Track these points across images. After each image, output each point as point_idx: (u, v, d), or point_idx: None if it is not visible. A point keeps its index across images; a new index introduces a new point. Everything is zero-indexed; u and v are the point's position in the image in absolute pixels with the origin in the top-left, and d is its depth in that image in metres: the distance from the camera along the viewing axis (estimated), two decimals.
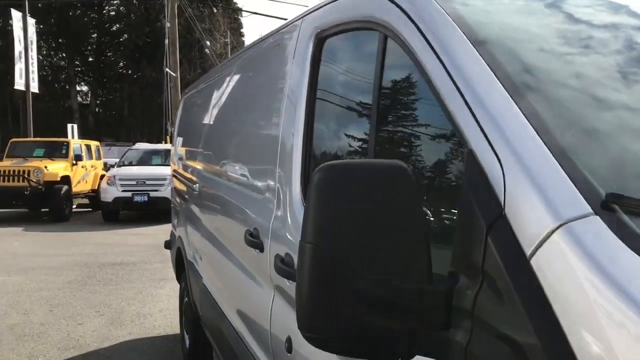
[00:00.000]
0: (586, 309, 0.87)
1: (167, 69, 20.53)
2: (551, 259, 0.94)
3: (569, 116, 1.16)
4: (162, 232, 10.51)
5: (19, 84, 19.20)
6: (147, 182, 13.96)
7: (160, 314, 6.15)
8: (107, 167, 17.99)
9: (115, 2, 38.49)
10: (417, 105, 1.47)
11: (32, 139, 17.33)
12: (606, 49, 1.43)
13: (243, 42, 50.85)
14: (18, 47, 18.87)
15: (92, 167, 16.65)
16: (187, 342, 4.57)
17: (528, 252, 0.97)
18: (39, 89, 21.99)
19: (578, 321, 0.87)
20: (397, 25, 1.48)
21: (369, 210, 1.08)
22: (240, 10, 41.69)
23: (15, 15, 19.05)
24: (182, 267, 4.72)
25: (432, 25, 1.38)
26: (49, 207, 14.35)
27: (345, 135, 1.89)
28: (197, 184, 4.08)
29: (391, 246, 1.07)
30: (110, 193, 14.06)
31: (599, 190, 0.99)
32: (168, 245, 5.64)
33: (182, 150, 5.14)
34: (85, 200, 17.02)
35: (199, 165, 4.20)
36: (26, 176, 13.87)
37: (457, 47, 1.30)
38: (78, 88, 40.28)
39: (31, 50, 19.41)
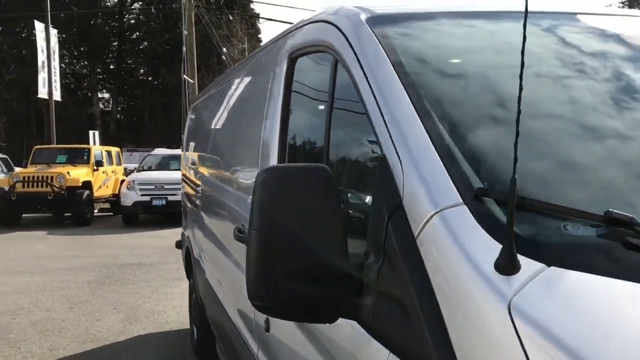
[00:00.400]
0: (449, 273, 1.15)
1: (184, 76, 20.98)
2: (429, 238, 1.22)
3: (458, 130, 1.44)
4: (179, 234, 10.86)
5: (42, 93, 19.83)
6: (165, 187, 14.38)
7: (173, 310, 6.49)
8: (127, 172, 18.48)
9: (134, 10, 39.23)
10: (354, 118, 1.76)
11: (54, 145, 17.89)
12: (495, 71, 1.71)
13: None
14: (41, 56, 19.50)
15: (112, 172, 17.15)
16: (195, 334, 4.89)
17: (415, 233, 1.25)
18: (62, 96, 22.64)
19: (444, 282, 1.16)
20: (340, 48, 1.78)
21: (299, 203, 1.37)
22: (257, 17, 42.16)
23: (38, 26, 19.70)
24: (191, 265, 5.05)
25: (364, 49, 1.68)
26: (71, 211, 14.86)
27: (308, 141, 2.20)
28: (200, 187, 4.41)
29: (316, 232, 1.36)
30: (129, 197, 14.52)
31: (473, 186, 1.27)
32: (179, 245, 5.99)
33: (189, 155, 5.48)
34: (107, 205, 17.53)
35: (200, 169, 4.54)
36: (49, 182, 14.39)
37: (380, 69, 1.59)
38: (100, 95, 41.06)
39: (53, 60, 20.04)
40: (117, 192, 16.41)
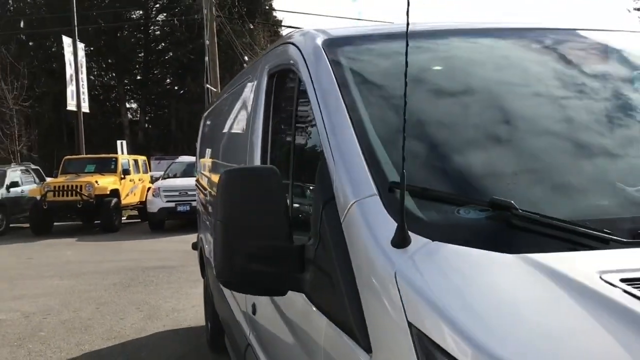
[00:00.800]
0: (360, 249, 1.45)
1: (207, 85, 21.49)
2: (349, 222, 1.52)
3: (384, 137, 1.73)
4: None
5: (71, 105, 20.55)
6: (189, 193, 14.81)
7: (192, 309, 6.85)
8: (153, 179, 19.03)
9: (159, 22, 40.10)
10: (310, 127, 2.07)
11: (83, 156, 18.54)
12: (416, 86, 1.99)
13: None
14: (69, 70, 20.23)
15: (139, 180, 17.70)
16: (209, 329, 5.25)
17: (341, 219, 1.55)
18: (91, 107, 23.38)
19: (356, 257, 1.46)
20: (300, 66, 2.09)
21: (253, 197, 1.68)
22: (279, 25, 42.70)
23: (66, 41, 20.44)
24: (204, 264, 5.42)
25: (316, 67, 1.98)
26: (100, 219, 15.42)
27: (281, 145, 2.52)
28: (206, 190, 4.78)
29: (267, 220, 1.67)
30: (155, 204, 15.03)
31: (388, 179, 1.56)
32: (194, 246, 6.36)
33: (200, 162, 5.87)
34: (135, 212, 18.10)
35: (206, 174, 4.92)
36: (78, 191, 14.97)
37: (325, 85, 1.89)
38: (128, 105, 42.01)
39: (81, 73, 20.76)
40: (144, 200, 16.92)
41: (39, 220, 15.16)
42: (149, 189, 16.95)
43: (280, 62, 2.47)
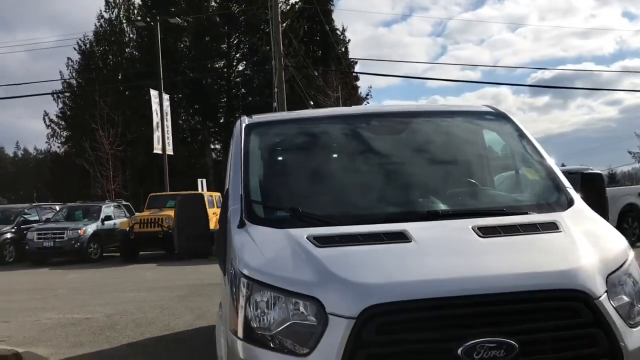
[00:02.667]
0: (229, 228, 3.18)
1: None
2: (229, 218, 3.24)
3: (260, 180, 3.45)
4: None
5: (157, 149, 23.41)
6: None
7: None
8: None
9: (239, 70, 43.50)
10: (228, 171, 3.81)
11: (166, 193, 21.10)
12: (292, 153, 3.69)
13: (358, 94, 54.10)
14: (155, 118, 23.15)
15: (213, 214, 19.93)
16: None
17: (228, 216, 3.28)
18: (179, 149, 26.27)
19: (228, 238, 3.18)
20: (235, 137, 3.84)
21: (189, 210, 3.45)
22: (350, 72, 45.06)
23: (153, 93, 23.45)
24: None
25: (236, 138, 3.74)
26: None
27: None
28: None
29: (195, 222, 3.43)
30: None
31: (250, 198, 3.27)
32: None
33: None
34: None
35: None
36: (160, 223, 17.33)
37: (238, 149, 3.64)
38: (212, 146, 45.34)
39: (166, 121, 23.64)
40: None
41: (127, 248, 17.68)
42: None
43: (236, 130, 4.20)
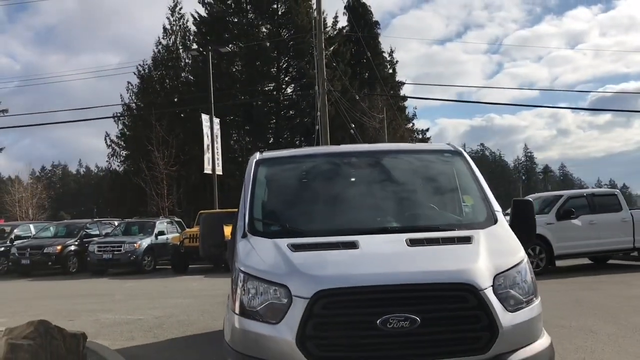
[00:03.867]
0: (236, 238, 4.39)
1: None
2: (235, 231, 4.45)
3: (260, 200, 4.65)
4: None
5: (207, 169, 25.08)
6: None
7: None
8: None
9: (287, 93, 45.21)
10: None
11: (214, 210, 22.59)
12: (292, 181, 4.88)
13: (405, 115, 55.04)
14: (206, 141, 24.87)
15: None
16: None
17: (237, 231, 4.49)
18: (231, 169, 27.83)
19: (235, 240, 4.40)
20: (247, 169, 5.07)
21: (210, 226, 4.70)
22: (391, 95, 46.08)
23: (204, 117, 25.20)
24: None
25: (249, 171, 4.96)
26: (223, 261, 19.11)
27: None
28: None
29: (213, 234, 4.66)
30: None
31: (254, 216, 4.48)
32: None
33: None
34: None
35: None
36: None
37: (249, 180, 4.86)
38: None
39: (216, 143, 25.31)
40: None
41: (177, 261, 19.19)
42: None
43: (248, 163, 5.40)
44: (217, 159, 25.41)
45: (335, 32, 45.69)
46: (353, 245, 3.90)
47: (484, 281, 3.57)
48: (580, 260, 17.05)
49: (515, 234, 4.66)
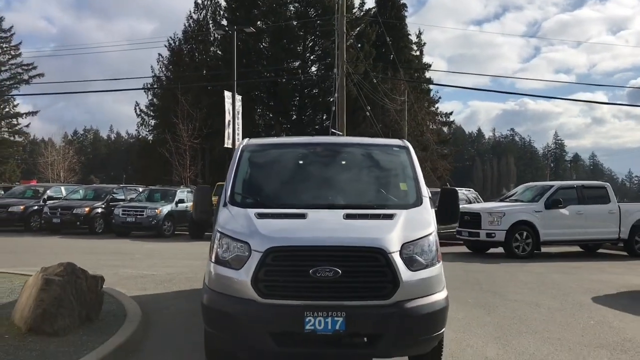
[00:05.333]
0: (219, 207, 5.71)
1: (332, 129, 26.19)
2: (220, 205, 5.77)
3: (241, 177, 5.94)
4: None
5: (227, 144, 26.46)
6: None
7: None
8: None
9: (312, 72, 46.26)
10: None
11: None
12: (271, 163, 6.15)
13: (430, 97, 55.61)
14: (227, 117, 26.21)
15: None
16: None
17: (220, 206, 5.80)
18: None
19: (216, 217, 5.73)
20: (239, 147, 6.36)
21: (202, 194, 6.01)
22: (421, 81, 46.78)
23: (227, 94, 26.51)
24: None
25: (236, 154, 6.25)
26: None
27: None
28: None
29: (201, 203, 5.97)
30: None
31: (235, 191, 5.77)
32: None
33: None
34: None
35: None
36: None
37: (233, 160, 6.15)
38: None
39: (237, 119, 26.63)
40: None
41: (194, 228, 20.71)
42: None
43: (236, 147, 6.72)
44: (238, 134, 26.74)
45: (362, 13, 46.41)
46: (303, 216, 5.15)
47: (393, 247, 4.79)
48: (573, 248, 18.13)
49: (442, 216, 5.89)
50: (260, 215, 5.22)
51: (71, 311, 6.18)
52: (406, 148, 6.33)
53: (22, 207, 23.75)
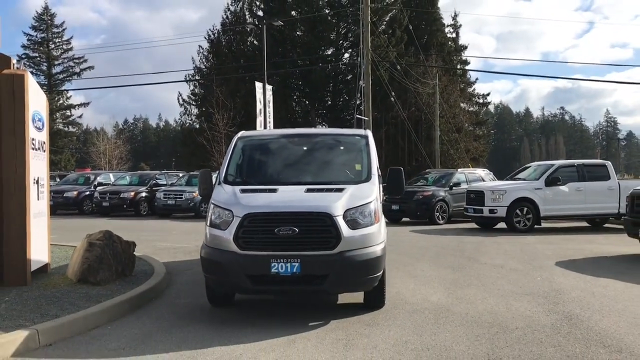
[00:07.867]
0: (214, 191, 7.50)
1: (357, 115, 27.71)
2: (215, 184, 7.55)
3: (237, 164, 7.68)
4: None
5: None
6: None
7: None
8: None
9: (346, 58, 47.63)
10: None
11: None
12: (259, 152, 7.89)
13: (466, 79, 56.16)
14: (259, 106, 28.04)
15: None
16: None
17: (215, 184, 7.57)
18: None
19: (212, 193, 7.51)
20: (235, 138, 8.12)
21: (205, 176, 7.78)
22: (453, 69, 47.37)
23: (258, 84, 28.33)
24: None
25: (231, 144, 8.00)
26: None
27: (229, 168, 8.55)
28: None
29: (207, 181, 7.74)
30: None
31: (227, 175, 7.53)
32: None
33: None
34: None
35: None
36: None
37: (229, 150, 7.90)
38: (319, 127, 50.09)
39: (268, 108, 28.44)
40: None
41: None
42: None
43: (232, 138, 8.44)
44: (269, 122, 28.57)
45: (392, 0, 47.38)
46: (274, 191, 6.86)
47: (337, 212, 6.43)
48: (581, 222, 19.29)
49: (389, 189, 7.50)
50: (243, 191, 6.94)
51: (109, 267, 8.08)
52: (365, 137, 7.94)
53: (75, 192, 26.39)
